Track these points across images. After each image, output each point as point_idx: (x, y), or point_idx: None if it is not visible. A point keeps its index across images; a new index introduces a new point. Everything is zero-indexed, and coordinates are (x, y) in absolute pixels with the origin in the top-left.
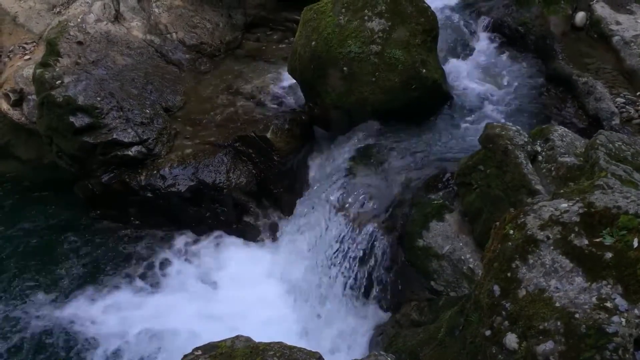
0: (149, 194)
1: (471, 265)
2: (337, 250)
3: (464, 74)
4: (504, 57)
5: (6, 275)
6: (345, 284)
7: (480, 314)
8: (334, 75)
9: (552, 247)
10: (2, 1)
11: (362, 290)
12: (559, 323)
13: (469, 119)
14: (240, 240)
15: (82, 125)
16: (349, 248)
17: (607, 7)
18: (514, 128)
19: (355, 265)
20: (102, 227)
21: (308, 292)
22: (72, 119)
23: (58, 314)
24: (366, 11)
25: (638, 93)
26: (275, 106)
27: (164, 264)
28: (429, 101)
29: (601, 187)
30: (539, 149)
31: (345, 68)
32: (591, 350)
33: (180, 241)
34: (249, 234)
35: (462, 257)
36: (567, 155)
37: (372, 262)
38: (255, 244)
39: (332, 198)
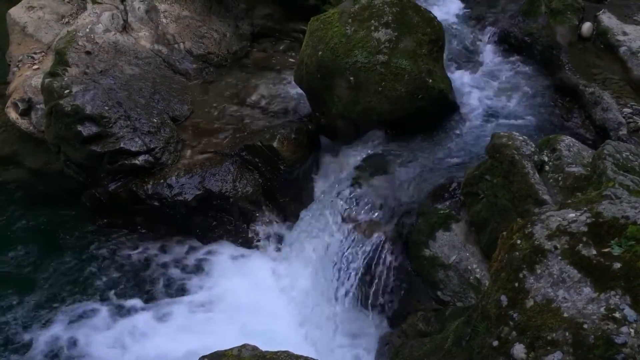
0: (156, 203)
1: (478, 275)
2: (343, 260)
3: (470, 84)
4: (510, 67)
5: (10, 282)
6: (351, 293)
7: (488, 324)
8: (340, 84)
9: (559, 257)
10: (12, 11)
11: (369, 299)
12: (567, 333)
13: (475, 128)
14: (246, 249)
15: (90, 134)
16: (355, 257)
17: (614, 17)
18: (520, 138)
19: (361, 275)
20: (109, 236)
21: (313, 302)
22: (80, 127)
23: (60, 322)
24: (373, 21)
25: None
26: (281, 115)
27: (170, 272)
28: (435, 111)
29: (609, 197)
30: (545, 158)
31: (351, 78)
32: None
33: (186, 249)
34: (255, 243)
35: (469, 267)
36: (574, 165)
37: (378, 271)
38: (261, 252)
39: (338, 207)
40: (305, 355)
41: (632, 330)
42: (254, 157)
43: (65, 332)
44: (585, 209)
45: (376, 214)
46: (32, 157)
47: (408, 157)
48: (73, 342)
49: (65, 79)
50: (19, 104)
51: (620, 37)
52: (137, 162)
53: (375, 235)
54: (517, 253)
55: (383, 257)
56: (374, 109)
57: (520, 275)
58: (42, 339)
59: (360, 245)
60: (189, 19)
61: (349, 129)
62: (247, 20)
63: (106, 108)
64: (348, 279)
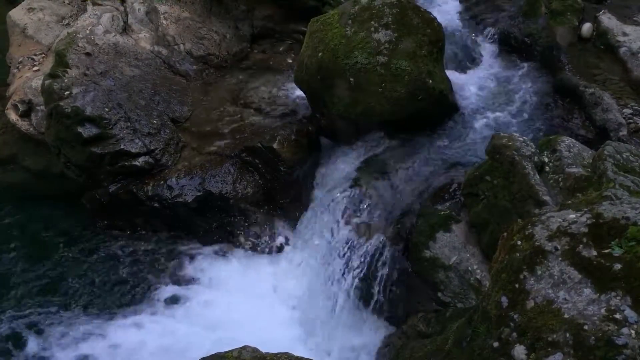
0: (156, 204)
1: (478, 277)
2: (343, 261)
3: (470, 85)
4: (510, 68)
5: (10, 286)
6: (352, 295)
7: (488, 325)
8: (340, 85)
9: (560, 258)
10: (12, 13)
11: (369, 301)
12: (567, 335)
13: (475, 129)
14: (246, 251)
15: (90, 136)
16: (355, 258)
17: (614, 18)
18: (520, 139)
19: (361, 276)
20: (109, 237)
21: (314, 304)
22: (80, 129)
23: (61, 326)
24: (372, 22)
25: None
26: (281, 117)
27: (170, 274)
28: (435, 112)
29: (609, 198)
30: (546, 159)
31: (351, 79)
32: None
33: (186, 251)
34: (255, 244)
35: (469, 268)
36: (574, 166)
37: (378, 273)
38: (261, 254)
39: (338, 208)
40: (305, 357)
41: (632, 332)
42: (254, 159)
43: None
44: (585, 209)
45: (376, 215)
46: (32, 158)
47: (408, 158)
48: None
49: (66, 80)
50: (19, 106)
51: (620, 38)
52: (137, 163)
53: (376, 236)
54: (518, 254)
55: (383, 258)
56: (374, 110)
57: (521, 276)
58: None
59: (361, 247)
60: (189, 21)
61: (349, 130)
62: (247, 21)
63: (106, 109)
64: (348, 280)
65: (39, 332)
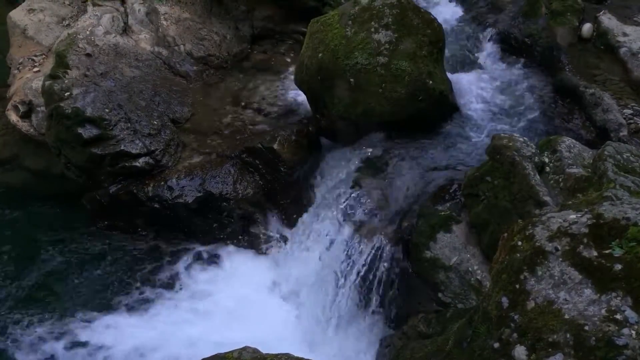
0: (156, 205)
1: (479, 277)
2: (343, 262)
3: (470, 85)
4: (511, 68)
5: (9, 287)
6: (352, 295)
7: (489, 326)
8: (340, 86)
9: (560, 259)
10: (13, 14)
11: (369, 301)
12: (568, 335)
13: (475, 129)
14: (246, 251)
15: (91, 137)
16: (355, 259)
17: (614, 18)
18: (521, 139)
19: (362, 277)
20: (109, 238)
21: (314, 304)
22: (80, 130)
23: (60, 328)
24: (373, 23)
25: None
26: (282, 117)
27: (170, 274)
28: (435, 112)
29: (610, 198)
30: (546, 160)
31: (352, 79)
32: None
33: (186, 252)
34: (255, 245)
35: (470, 269)
36: (574, 167)
37: (379, 273)
38: (261, 254)
39: (338, 209)
40: (306, 358)
41: (633, 332)
42: (254, 159)
43: None
44: (586, 210)
45: (377, 215)
46: (33, 159)
47: (408, 158)
48: None
49: (66, 81)
50: (20, 107)
51: (621, 38)
52: (137, 164)
53: (376, 237)
54: (518, 254)
55: (383, 258)
56: (375, 111)
57: (521, 276)
58: None
59: (361, 247)
60: (189, 21)
61: (349, 131)
62: (247, 22)
63: (107, 110)
64: (349, 281)
65: (3, 331)
